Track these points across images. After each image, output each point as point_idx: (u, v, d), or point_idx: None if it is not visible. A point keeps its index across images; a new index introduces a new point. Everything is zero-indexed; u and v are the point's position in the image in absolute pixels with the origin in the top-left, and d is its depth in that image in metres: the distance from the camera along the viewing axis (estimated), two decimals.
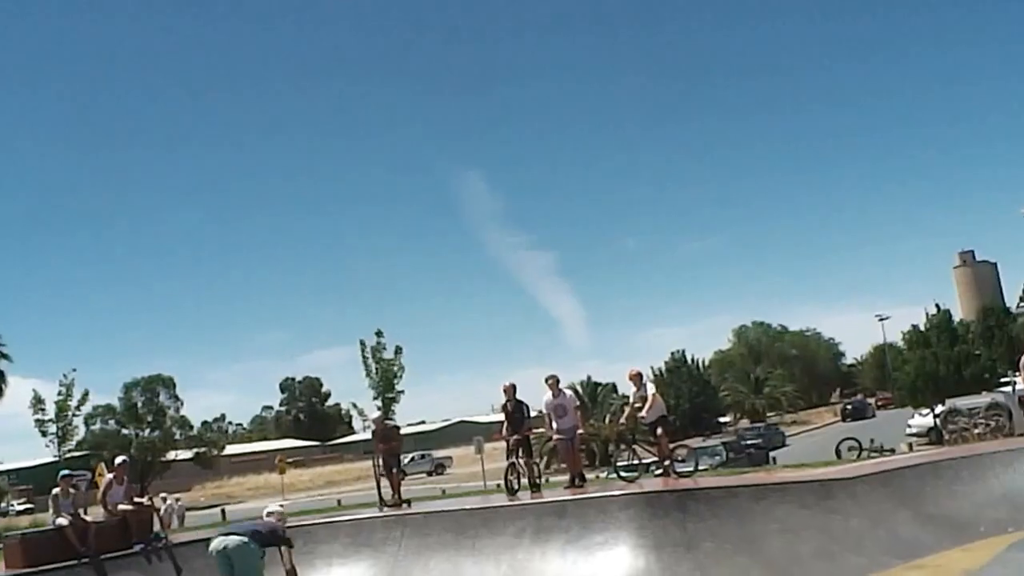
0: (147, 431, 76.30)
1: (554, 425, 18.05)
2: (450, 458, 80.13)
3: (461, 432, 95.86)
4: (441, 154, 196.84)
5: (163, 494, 19.69)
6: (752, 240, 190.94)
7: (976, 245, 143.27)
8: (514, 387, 18.11)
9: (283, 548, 10.96)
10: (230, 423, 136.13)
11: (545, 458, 49.27)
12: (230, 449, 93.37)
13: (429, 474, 69.82)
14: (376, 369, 30.90)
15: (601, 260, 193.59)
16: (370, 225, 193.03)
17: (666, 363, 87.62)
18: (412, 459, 75.23)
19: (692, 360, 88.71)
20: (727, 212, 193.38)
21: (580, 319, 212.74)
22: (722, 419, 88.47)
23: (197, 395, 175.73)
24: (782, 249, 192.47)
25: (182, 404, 78.93)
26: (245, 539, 10.55)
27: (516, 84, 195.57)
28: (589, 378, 71.66)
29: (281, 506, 11.93)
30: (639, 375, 18.07)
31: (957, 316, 64.26)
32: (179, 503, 18.34)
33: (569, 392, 18.68)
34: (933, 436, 38.48)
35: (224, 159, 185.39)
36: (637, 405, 17.69)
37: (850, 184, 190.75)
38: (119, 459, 17.94)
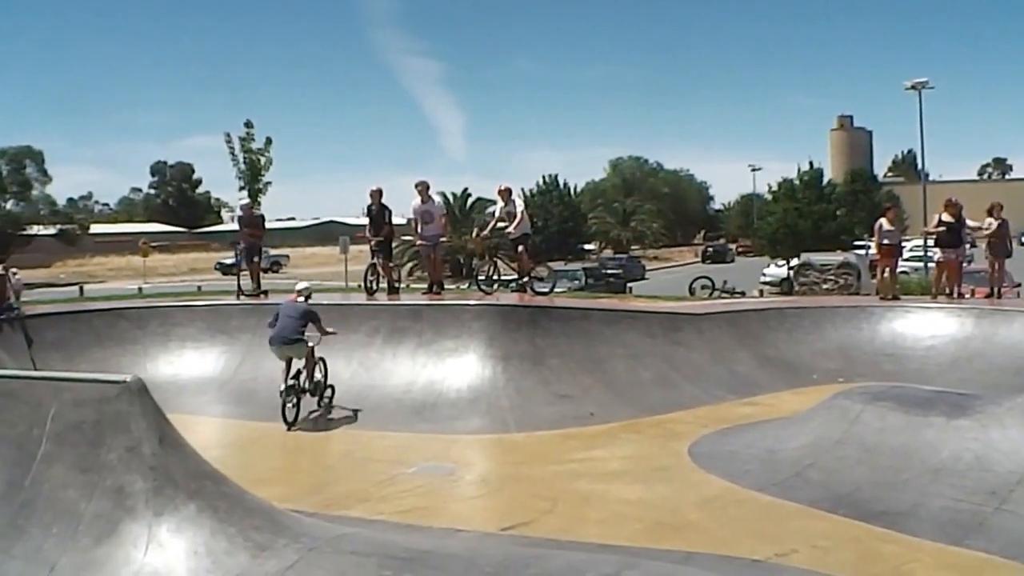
0: (10, 203, 73.52)
1: (419, 231, 17.94)
2: (287, 256, 78.68)
3: (330, 231, 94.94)
4: None
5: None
6: (640, 77, 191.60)
7: (856, 111, 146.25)
8: (380, 191, 17.88)
9: (316, 324, 13.56)
10: (96, 202, 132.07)
11: (409, 264, 49.28)
12: (95, 228, 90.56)
13: (265, 271, 67.63)
14: (244, 159, 29.98)
15: (490, 77, 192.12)
16: (257, 10, 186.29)
17: (538, 185, 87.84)
18: None
19: (564, 185, 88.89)
20: (621, 46, 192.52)
21: (460, 132, 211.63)
22: (587, 246, 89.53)
23: (65, 171, 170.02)
24: (668, 90, 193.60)
25: (50, 180, 76.16)
26: (295, 341, 13.39)
27: None
28: (465, 190, 70.60)
29: (308, 284, 14.55)
30: (508, 191, 17.97)
31: (828, 177, 65.54)
32: (17, 278, 17.74)
33: (438, 199, 18.52)
34: (785, 286, 39.72)
35: None
36: (503, 220, 17.67)
37: (740, 36, 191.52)
38: None
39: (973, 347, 15.54)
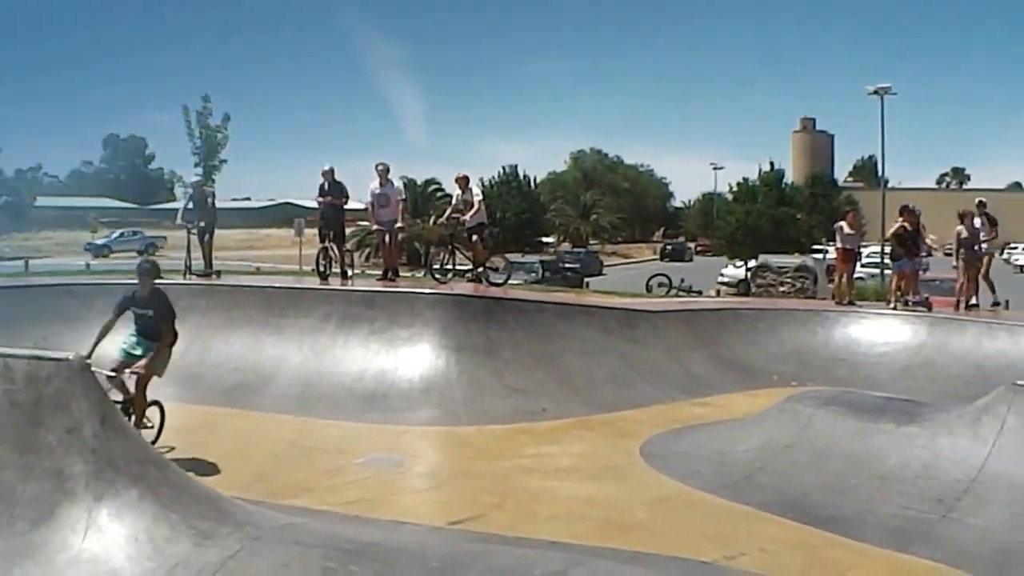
0: None
1: (376, 214, 17.83)
2: (164, 238, 72.86)
3: (286, 213, 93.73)
4: None
5: None
6: (603, 69, 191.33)
7: (818, 114, 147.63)
8: (332, 170, 17.77)
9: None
10: (45, 174, 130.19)
11: (366, 250, 49.04)
12: (42, 201, 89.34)
13: (139, 253, 64.09)
14: (200, 135, 29.63)
15: (453, 64, 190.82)
16: None
17: (498, 175, 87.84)
18: (122, 235, 71.52)
19: (524, 176, 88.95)
20: (585, 37, 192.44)
21: (421, 118, 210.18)
22: (545, 239, 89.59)
23: (12, 140, 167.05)
24: (631, 83, 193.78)
25: None
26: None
27: None
28: (428, 180, 70.53)
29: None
30: (466, 179, 17.92)
31: (789, 179, 66.03)
32: None
33: (397, 183, 18.37)
34: (742, 287, 39.94)
35: None
36: (459, 208, 17.62)
37: (704, 33, 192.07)
38: None
39: (925, 355, 15.80)
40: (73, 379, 6.74)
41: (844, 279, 18.72)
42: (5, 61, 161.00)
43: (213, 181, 28.83)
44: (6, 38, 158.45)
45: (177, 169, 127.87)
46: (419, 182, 69.75)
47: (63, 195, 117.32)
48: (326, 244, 17.87)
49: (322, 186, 17.85)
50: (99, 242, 69.87)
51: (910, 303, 17.68)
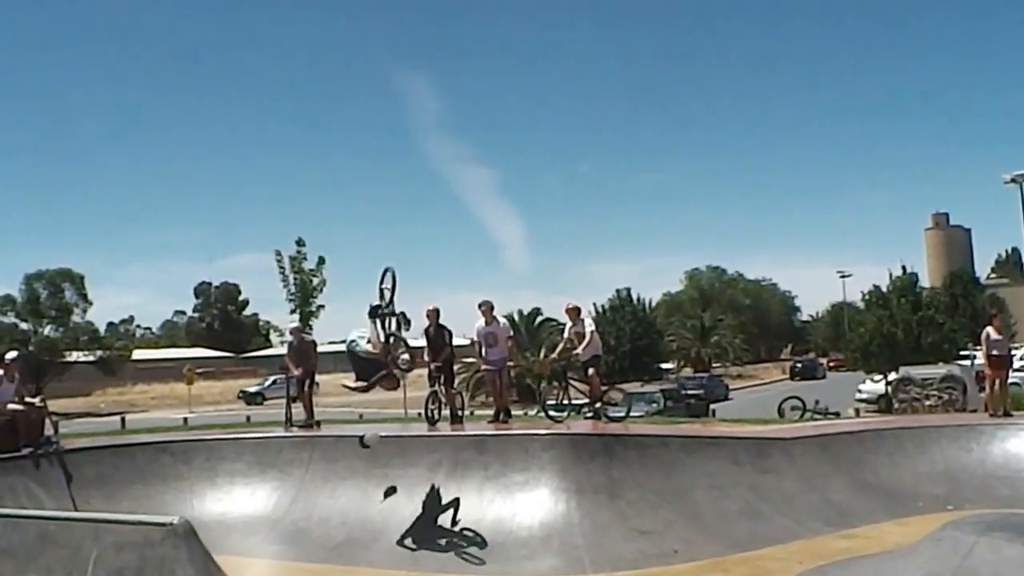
0: (48, 328, 75.07)
1: (483, 354, 18.03)
2: (317, 384, 76.20)
3: None
4: (386, 53, 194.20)
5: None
6: (714, 179, 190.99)
7: (951, 208, 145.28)
8: (437, 311, 17.94)
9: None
10: (138, 326, 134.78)
11: (471, 390, 49.34)
12: (136, 354, 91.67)
13: (293, 400, 64.03)
14: (295, 280, 30.26)
15: (550, 184, 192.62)
16: (303, 122, 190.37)
17: (610, 300, 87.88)
18: (275, 382, 70.14)
19: (638, 299, 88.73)
20: (691, 145, 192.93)
21: (522, 244, 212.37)
22: (664, 365, 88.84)
23: (104, 292, 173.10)
24: (745, 192, 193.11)
25: (90, 305, 77.66)
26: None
27: None
28: (535, 310, 70.73)
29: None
30: (576, 309, 18.10)
31: (924, 281, 64.84)
32: None
33: (503, 320, 18.56)
34: (883, 404, 39.05)
35: (148, 40, 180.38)
36: (572, 341, 17.76)
37: (825, 132, 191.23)
38: (10, 355, 17.52)
39: None
40: (178, 544, 6.94)
41: (997, 387, 18.28)
42: (92, 213, 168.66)
43: (311, 327, 29.35)
44: (93, 191, 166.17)
45: (272, 315, 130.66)
46: (525, 312, 70.12)
47: (157, 347, 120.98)
48: (435, 387, 17.99)
49: (427, 329, 18.02)
50: (252, 390, 73.39)
51: None
